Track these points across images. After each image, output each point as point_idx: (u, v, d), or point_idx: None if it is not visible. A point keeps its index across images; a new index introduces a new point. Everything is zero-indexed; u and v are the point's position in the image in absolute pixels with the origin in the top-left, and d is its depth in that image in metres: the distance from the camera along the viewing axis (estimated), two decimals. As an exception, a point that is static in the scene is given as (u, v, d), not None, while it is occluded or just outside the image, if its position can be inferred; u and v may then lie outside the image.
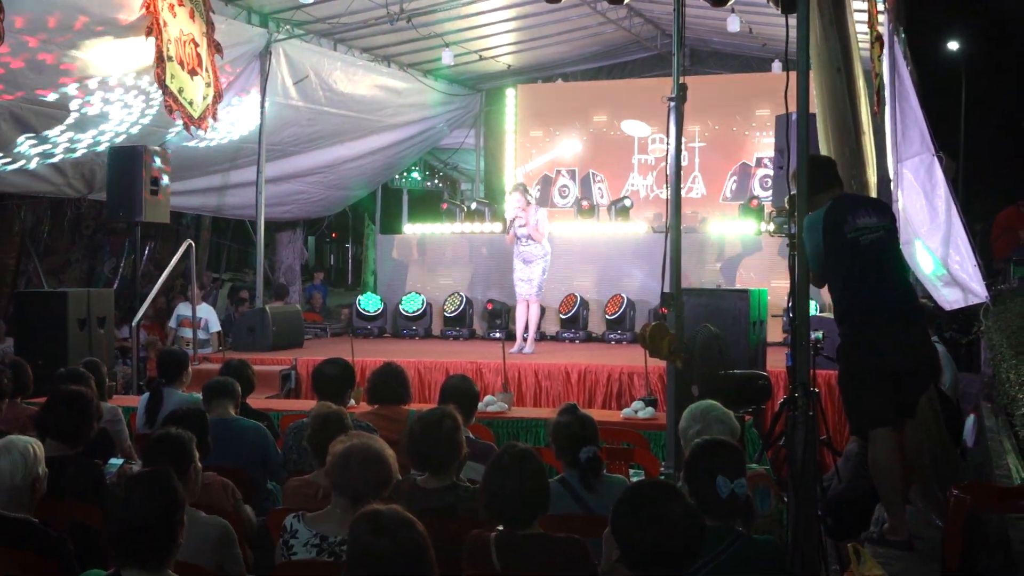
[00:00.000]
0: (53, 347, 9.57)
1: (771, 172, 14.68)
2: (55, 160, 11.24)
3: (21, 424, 6.19)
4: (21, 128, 10.36)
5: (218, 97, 10.81)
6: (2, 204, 13.91)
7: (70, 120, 10.56)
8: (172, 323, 12.91)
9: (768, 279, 12.54)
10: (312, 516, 4.14)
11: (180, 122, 10.39)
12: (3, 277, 14.21)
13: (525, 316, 11.44)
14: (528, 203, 11.36)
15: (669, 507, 3.19)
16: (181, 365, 7.36)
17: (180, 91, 10.20)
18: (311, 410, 5.28)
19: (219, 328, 12.80)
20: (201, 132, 10.73)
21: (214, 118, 10.78)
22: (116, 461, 5.80)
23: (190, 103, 10.36)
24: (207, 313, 12.60)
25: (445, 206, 15.28)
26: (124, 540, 3.45)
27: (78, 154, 11.32)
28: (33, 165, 11.17)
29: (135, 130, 11.24)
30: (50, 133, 10.62)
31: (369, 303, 13.93)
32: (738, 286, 12.36)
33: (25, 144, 10.64)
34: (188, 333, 12.32)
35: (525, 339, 11.42)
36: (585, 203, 14.73)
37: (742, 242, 13.14)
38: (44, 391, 7.02)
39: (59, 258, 14.74)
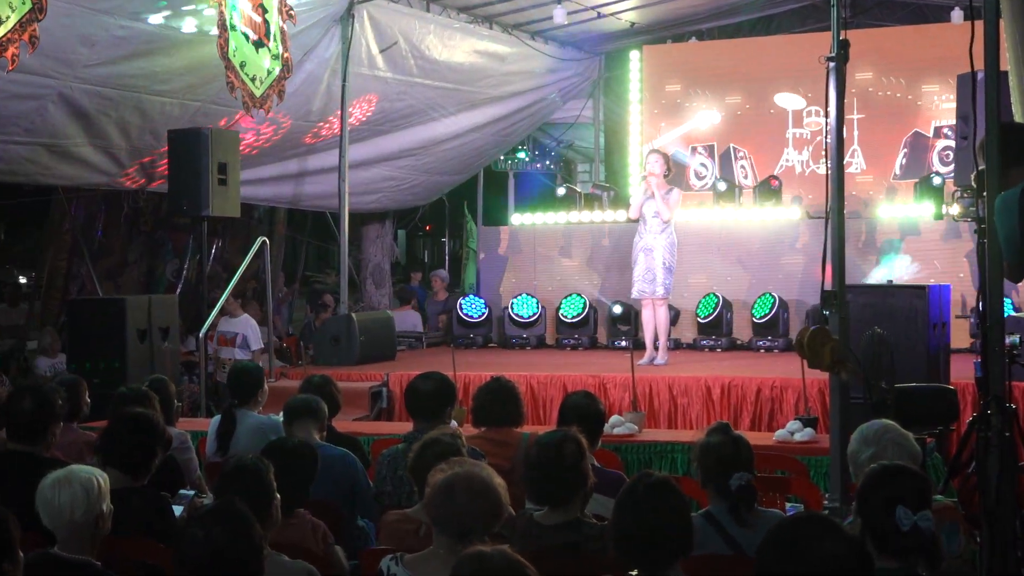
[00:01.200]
0: (110, 362, 9.84)
1: (952, 143, 14.39)
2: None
3: (78, 452, 6.38)
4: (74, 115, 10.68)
5: (286, 72, 10.99)
6: (50, 198, 14.32)
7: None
8: (215, 343, 12.75)
9: (952, 272, 12.31)
10: (412, 558, 4.19)
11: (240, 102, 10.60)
12: (53, 282, 14.63)
13: (653, 321, 11.41)
14: (669, 172, 11.36)
15: (826, 546, 3.15)
16: (256, 383, 7.48)
17: (243, 65, 10.40)
18: (408, 434, 5.32)
19: (261, 345, 12.56)
20: (262, 114, 10.91)
21: (279, 97, 10.95)
22: (186, 493, 5.95)
23: (252, 79, 10.54)
24: (244, 327, 12.48)
25: (563, 191, 15.29)
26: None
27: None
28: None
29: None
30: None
31: (472, 307, 14.04)
32: (913, 281, 12.16)
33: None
34: (228, 354, 12.22)
35: (656, 348, 11.40)
36: (723, 185, 14.62)
37: (919, 228, 12.92)
38: (102, 414, 7.25)
39: (115, 259, 15.12)
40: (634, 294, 11.54)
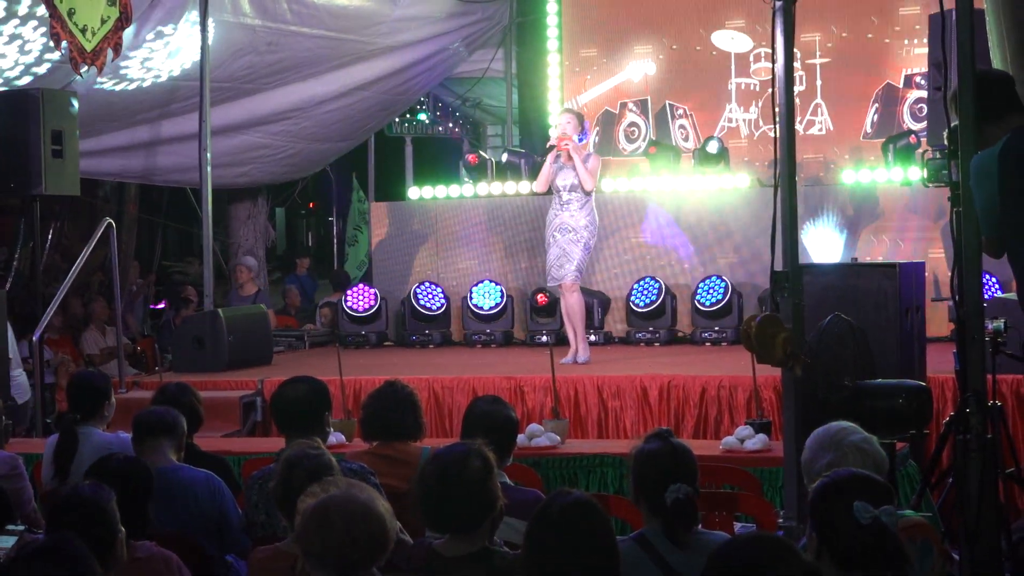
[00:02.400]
0: (-77, 374, 9.69)
1: (925, 95, 14.53)
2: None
3: None
4: None
5: (124, 21, 10.84)
6: None
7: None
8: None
9: (927, 247, 12.46)
10: (286, 600, 4.18)
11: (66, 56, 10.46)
12: None
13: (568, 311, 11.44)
14: (583, 132, 11.36)
15: (779, 570, 3.20)
16: (100, 394, 7.42)
17: (71, 13, 10.24)
18: (281, 452, 5.32)
19: None
20: (94, 71, 10.77)
21: (115, 51, 10.82)
22: (15, 528, 5.87)
23: (82, 30, 10.39)
24: None
25: (475, 159, 15.19)
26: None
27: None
28: None
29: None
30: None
31: (360, 299, 13.97)
32: (881, 258, 12.28)
33: None
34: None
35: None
36: (652, 148, 14.63)
37: (888, 196, 13.05)
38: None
39: (-72, 251, 14.90)
40: (549, 282, 11.57)
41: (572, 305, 11.34)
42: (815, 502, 3.93)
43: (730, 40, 15.57)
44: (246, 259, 16.58)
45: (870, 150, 14.55)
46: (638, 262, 13.63)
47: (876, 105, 15.02)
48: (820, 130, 15.13)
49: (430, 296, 13.78)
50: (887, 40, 15.08)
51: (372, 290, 14.07)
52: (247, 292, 15.67)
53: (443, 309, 13.75)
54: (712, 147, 14.21)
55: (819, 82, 15.09)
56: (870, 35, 15.15)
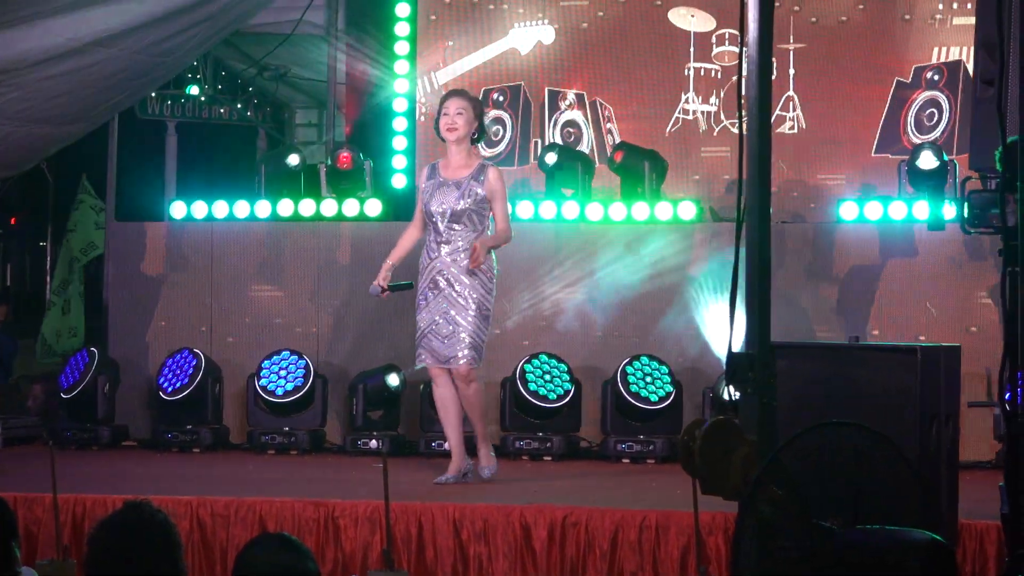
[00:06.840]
0: None
1: (939, 96, 14.85)
2: None
3: None
4: None
5: None
6: None
7: None
8: None
9: (965, 324, 12.65)
10: None
11: None
12: None
13: (454, 406, 11.35)
14: (479, 131, 11.39)
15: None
16: None
17: None
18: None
19: None
20: None
21: None
22: None
23: None
24: None
25: (296, 160, 15.08)
26: None
27: None
28: None
29: None
30: None
31: (78, 370, 13.86)
32: (895, 338, 12.46)
33: None
34: None
35: (478, 452, 11.56)
36: (555, 156, 14.70)
37: (915, 243, 13.21)
38: None
39: None
40: (419, 360, 11.41)
41: (470, 398, 11.36)
42: None
43: (689, 19, 15.77)
44: None
45: (877, 171, 14.79)
46: (523, 327, 13.73)
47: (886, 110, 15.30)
48: (790, 127, 15.34)
49: (179, 370, 13.74)
50: (903, 18, 15.36)
51: (109, 359, 13.97)
52: None
53: (189, 387, 13.70)
54: (617, 157, 14.37)
55: (791, 70, 15.35)
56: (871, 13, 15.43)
